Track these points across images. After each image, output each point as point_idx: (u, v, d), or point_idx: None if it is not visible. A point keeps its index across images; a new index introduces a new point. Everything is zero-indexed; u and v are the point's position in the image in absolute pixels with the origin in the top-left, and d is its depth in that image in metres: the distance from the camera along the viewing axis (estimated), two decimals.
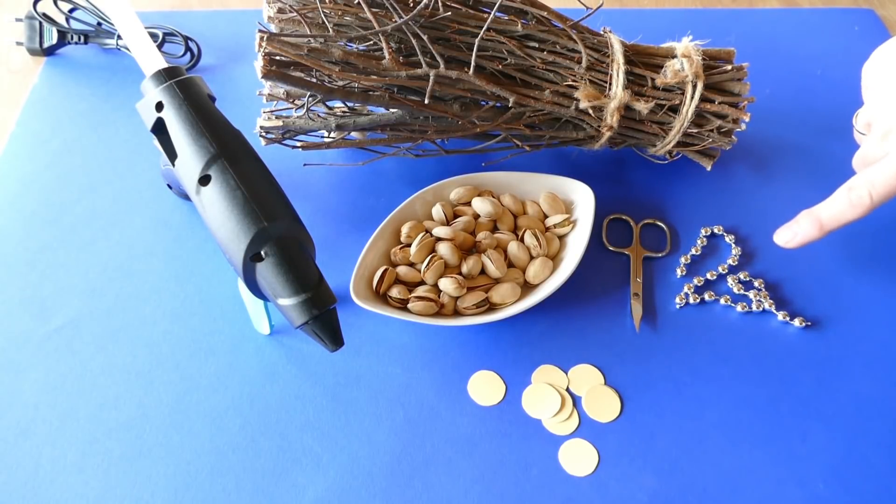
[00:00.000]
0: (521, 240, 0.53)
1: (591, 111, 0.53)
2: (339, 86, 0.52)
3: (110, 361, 0.50)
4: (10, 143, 0.62)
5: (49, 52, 0.68)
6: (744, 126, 0.56)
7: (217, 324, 0.52)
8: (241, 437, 0.47)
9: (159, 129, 0.42)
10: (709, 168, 0.60)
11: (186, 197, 0.57)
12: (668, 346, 0.52)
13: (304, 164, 0.60)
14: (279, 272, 0.39)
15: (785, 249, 0.57)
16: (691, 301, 0.54)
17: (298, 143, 0.55)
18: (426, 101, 0.51)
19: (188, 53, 0.67)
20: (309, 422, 0.48)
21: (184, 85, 0.42)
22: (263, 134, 0.55)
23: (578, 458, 0.47)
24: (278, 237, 0.39)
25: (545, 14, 0.54)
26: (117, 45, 0.67)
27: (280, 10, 0.51)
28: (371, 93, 0.51)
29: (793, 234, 0.49)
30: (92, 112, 0.64)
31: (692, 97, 0.54)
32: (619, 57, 0.53)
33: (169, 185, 0.58)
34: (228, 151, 0.40)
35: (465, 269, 0.51)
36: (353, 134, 0.57)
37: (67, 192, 0.59)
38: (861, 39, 0.73)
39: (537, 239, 0.53)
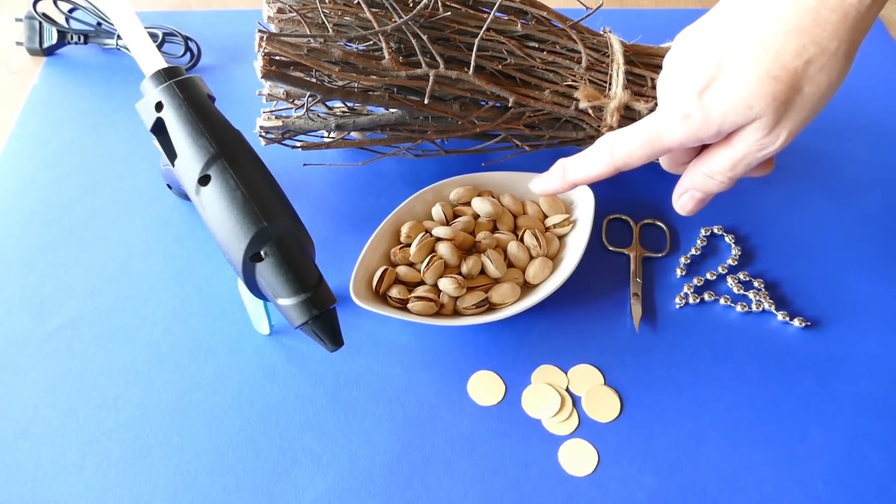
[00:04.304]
0: (521, 240, 0.53)
1: (590, 111, 0.53)
2: (339, 86, 0.52)
3: (110, 361, 0.50)
4: (10, 143, 0.62)
5: (49, 52, 0.68)
6: None
7: (217, 324, 0.52)
8: (241, 437, 0.47)
9: (159, 129, 0.42)
10: None
11: (186, 197, 0.57)
12: (668, 346, 0.52)
13: (304, 164, 0.60)
14: (279, 272, 0.39)
15: (785, 249, 0.57)
16: (691, 301, 0.54)
17: (298, 143, 0.55)
18: (426, 101, 0.51)
19: (188, 53, 0.67)
20: (309, 422, 0.48)
21: (183, 85, 0.42)
22: (263, 134, 0.55)
23: (578, 458, 0.47)
24: (278, 237, 0.39)
25: (545, 14, 0.54)
26: (117, 45, 0.67)
27: (280, 10, 0.51)
28: (371, 93, 0.51)
29: (543, 182, 0.46)
30: (92, 112, 0.64)
31: None
32: (619, 57, 0.53)
33: (169, 185, 0.58)
34: (228, 151, 0.40)
35: (464, 269, 0.51)
36: (353, 134, 0.57)
37: (67, 192, 0.59)
38: None
39: (537, 239, 0.53)
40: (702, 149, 0.41)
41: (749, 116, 0.36)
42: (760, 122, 0.36)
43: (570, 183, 0.44)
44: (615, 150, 0.41)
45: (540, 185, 0.46)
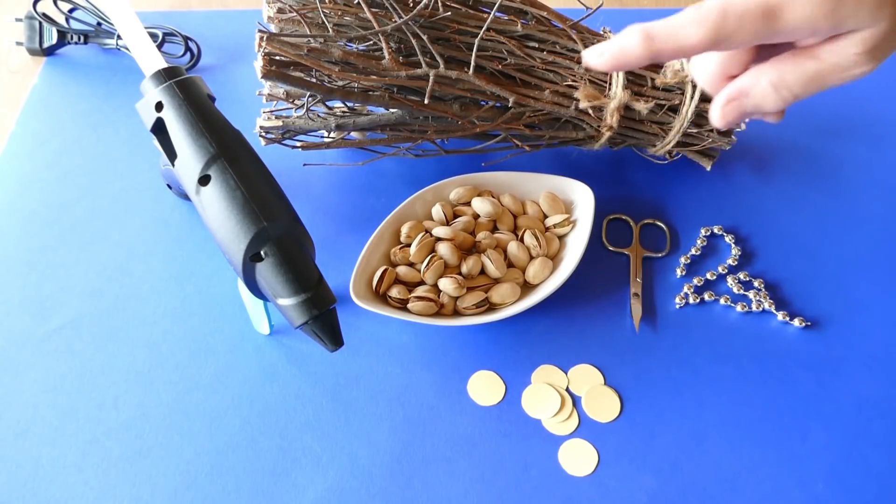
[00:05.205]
0: (521, 240, 0.53)
1: (590, 111, 0.53)
2: (339, 86, 0.52)
3: (110, 361, 0.50)
4: (9, 143, 0.62)
5: (49, 52, 0.68)
6: (744, 126, 0.56)
7: (217, 324, 0.52)
8: (241, 437, 0.47)
9: (159, 129, 0.42)
10: (709, 168, 0.60)
11: (186, 197, 0.57)
12: (668, 346, 0.52)
13: (304, 164, 0.60)
14: (279, 272, 0.39)
15: (785, 249, 0.57)
16: (691, 301, 0.54)
17: (298, 143, 0.55)
18: (426, 101, 0.51)
19: (188, 53, 0.67)
20: (309, 422, 0.48)
21: (183, 85, 0.42)
22: (263, 134, 0.55)
23: (578, 458, 0.47)
24: (278, 237, 0.39)
25: (545, 14, 0.54)
26: (117, 45, 0.67)
27: (280, 10, 0.51)
28: (371, 93, 0.51)
29: (613, 48, 0.35)
30: (92, 112, 0.64)
31: (692, 97, 0.54)
32: None
33: (169, 185, 0.58)
34: (228, 151, 0.40)
35: (464, 269, 0.51)
36: (353, 134, 0.57)
37: (67, 192, 0.59)
38: None
39: (537, 239, 0.53)
40: (756, 58, 0.37)
41: (876, 19, 0.33)
42: (871, 32, 0.33)
43: (654, 52, 0.34)
44: (727, 16, 0.33)
45: (607, 51, 0.35)
